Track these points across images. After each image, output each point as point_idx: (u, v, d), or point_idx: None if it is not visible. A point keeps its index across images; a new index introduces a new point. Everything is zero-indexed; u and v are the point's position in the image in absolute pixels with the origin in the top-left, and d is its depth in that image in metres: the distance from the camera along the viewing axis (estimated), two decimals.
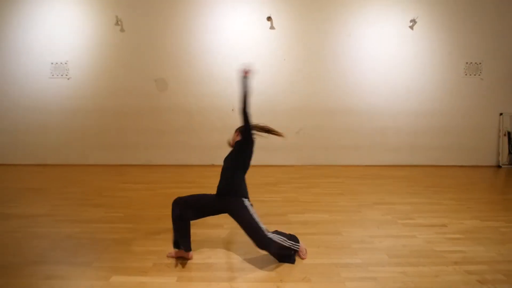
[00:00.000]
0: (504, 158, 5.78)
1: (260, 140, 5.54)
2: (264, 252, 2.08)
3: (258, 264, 1.94)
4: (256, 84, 5.35)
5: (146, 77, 5.24)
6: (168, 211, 2.18)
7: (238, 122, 5.46)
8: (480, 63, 5.55)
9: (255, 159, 5.62)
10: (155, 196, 3.52)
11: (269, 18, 5.07)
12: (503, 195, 3.96)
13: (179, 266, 1.90)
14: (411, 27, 5.39)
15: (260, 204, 3.20)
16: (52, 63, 5.13)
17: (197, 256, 2.03)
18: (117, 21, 5.02)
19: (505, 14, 5.44)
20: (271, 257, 2.00)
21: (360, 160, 5.61)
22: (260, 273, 1.82)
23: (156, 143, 5.39)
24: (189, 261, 1.96)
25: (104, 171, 4.88)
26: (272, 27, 5.21)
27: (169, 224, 2.39)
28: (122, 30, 5.11)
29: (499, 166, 5.75)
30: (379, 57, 5.44)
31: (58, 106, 5.26)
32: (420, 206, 3.16)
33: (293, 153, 5.56)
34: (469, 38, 5.47)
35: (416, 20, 5.33)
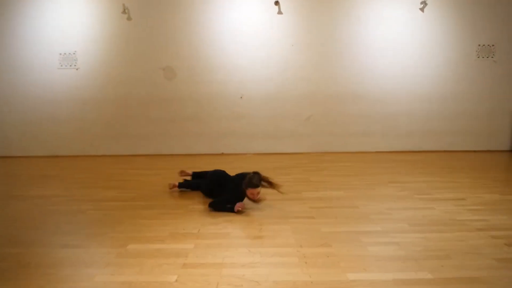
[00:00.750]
0: None
1: (269, 127, 5.51)
2: (280, 223, 2.06)
3: (275, 232, 1.91)
4: (264, 71, 5.34)
5: (154, 66, 5.23)
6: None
7: (247, 110, 5.43)
8: (493, 45, 5.41)
9: (264, 147, 5.61)
10: (166, 180, 3.48)
11: (276, 3, 5.01)
12: None
13: (196, 235, 1.88)
14: (422, 9, 5.27)
15: None
16: (60, 54, 5.16)
17: (212, 227, 2.01)
18: (124, 9, 5.01)
19: None
20: (288, 227, 1.97)
21: (370, 146, 5.53)
22: (278, 240, 1.79)
23: (165, 133, 5.39)
24: (205, 230, 1.94)
25: (114, 161, 4.90)
26: (280, 12, 5.15)
27: (182, 201, 2.42)
28: (129, 18, 5.10)
29: None
30: (389, 41, 5.34)
31: (67, 97, 5.29)
32: (436, 184, 3.09)
33: (303, 141, 5.50)
34: (481, 20, 5.34)
35: (427, 2, 5.22)
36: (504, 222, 2.02)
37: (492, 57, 5.46)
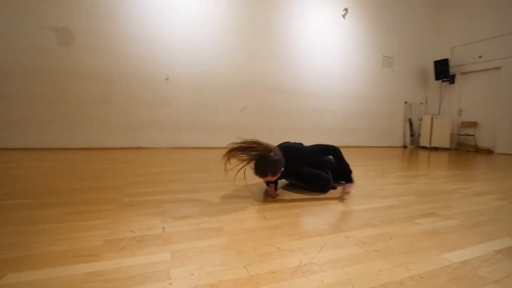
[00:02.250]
0: (408, 140, 6.82)
1: (199, 118, 4.73)
2: (285, 207, 1.44)
3: (291, 219, 1.27)
4: (195, 52, 4.57)
5: (40, 25, 3.66)
6: (92, 183, 1.73)
7: (173, 95, 4.49)
8: (392, 57, 6.42)
9: (193, 141, 4.76)
10: (58, 172, 2.25)
11: None
12: (435, 157, 4.47)
13: (162, 237, 1.03)
14: (343, 16, 5.75)
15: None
16: None
17: (186, 222, 1.19)
18: None
19: (412, 17, 6.51)
20: (300, 211, 1.37)
21: (301, 141, 5.52)
22: (306, 227, 1.16)
23: (56, 119, 3.81)
24: (175, 228, 1.11)
25: None
26: None
27: (109, 194, 1.51)
28: None
29: (405, 147, 6.74)
30: (318, 40, 5.55)
31: None
32: (387, 167, 3.10)
33: (237, 134, 4.96)
34: (385, 34, 6.27)
35: (348, 9, 5.72)
36: (485, 188, 2.04)
37: (391, 68, 6.45)
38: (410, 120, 6.92)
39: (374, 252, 0.94)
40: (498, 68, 5.56)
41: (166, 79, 4.39)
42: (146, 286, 0.72)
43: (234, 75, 4.86)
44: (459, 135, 6.26)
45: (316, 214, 1.33)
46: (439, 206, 1.53)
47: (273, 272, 0.80)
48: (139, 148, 4.29)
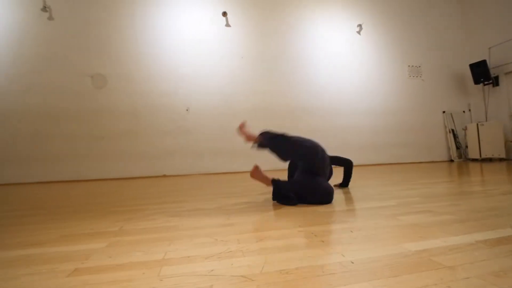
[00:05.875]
0: (454, 153, 6.08)
1: (219, 144, 4.84)
2: (257, 211, 1.37)
3: (253, 219, 1.20)
4: (212, 82, 4.88)
5: (79, 72, 4.32)
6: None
7: (194, 125, 4.74)
8: (419, 66, 6.06)
9: (214, 167, 4.82)
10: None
11: (224, 14, 4.83)
12: (475, 168, 3.90)
13: (115, 232, 1.04)
14: (359, 32, 5.71)
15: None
16: None
17: (147, 223, 1.19)
18: (45, 7, 4.18)
19: (435, 21, 6.20)
20: (271, 214, 1.28)
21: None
22: (260, 225, 1.08)
23: (90, 153, 4.27)
24: (132, 226, 1.12)
25: (17, 190, 3.52)
26: (228, 25, 4.96)
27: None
28: (50, 18, 4.25)
29: (451, 160, 6.00)
30: (333, 59, 5.53)
31: None
32: (408, 177, 2.79)
33: (259, 157, 4.96)
34: (408, 43, 6.01)
35: (362, 26, 5.69)
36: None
37: (420, 77, 6.05)
38: (453, 131, 6.23)
39: (319, 242, 0.82)
40: None
41: (187, 110, 4.70)
42: (60, 264, 0.73)
43: (251, 100, 5.01)
44: None
45: (286, 215, 1.23)
46: (444, 205, 1.31)
47: (185, 257, 0.74)
48: (164, 176, 4.52)
